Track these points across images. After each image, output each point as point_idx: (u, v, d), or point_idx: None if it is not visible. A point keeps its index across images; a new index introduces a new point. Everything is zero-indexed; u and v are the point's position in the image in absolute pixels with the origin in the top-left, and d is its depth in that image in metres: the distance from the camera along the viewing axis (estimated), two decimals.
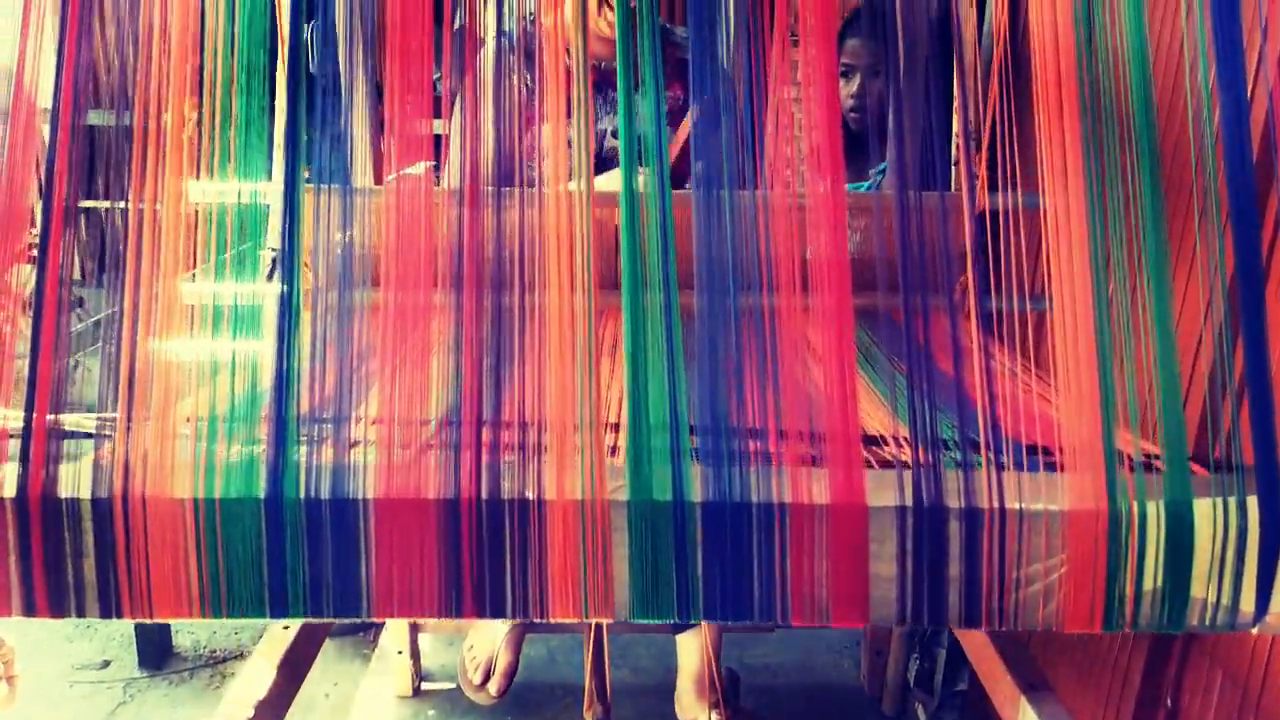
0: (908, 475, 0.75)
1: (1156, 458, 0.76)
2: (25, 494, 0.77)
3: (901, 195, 0.84)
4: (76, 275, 0.86)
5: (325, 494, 0.77)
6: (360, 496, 0.77)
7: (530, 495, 0.77)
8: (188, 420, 0.79)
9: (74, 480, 0.78)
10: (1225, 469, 0.74)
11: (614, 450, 0.81)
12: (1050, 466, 0.78)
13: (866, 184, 1.84)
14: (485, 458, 0.77)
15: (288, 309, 0.77)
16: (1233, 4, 0.74)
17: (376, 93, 1.62)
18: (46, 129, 0.85)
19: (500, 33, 0.90)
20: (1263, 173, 0.93)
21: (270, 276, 1.08)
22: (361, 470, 0.78)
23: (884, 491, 0.76)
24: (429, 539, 0.77)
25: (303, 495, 0.77)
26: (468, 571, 0.77)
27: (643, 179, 0.81)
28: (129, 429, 0.77)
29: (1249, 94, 1.04)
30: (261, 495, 0.77)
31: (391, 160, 0.99)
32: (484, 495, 0.77)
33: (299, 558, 0.77)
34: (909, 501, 0.75)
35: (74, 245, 0.83)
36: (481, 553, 0.77)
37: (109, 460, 0.78)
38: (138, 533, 0.77)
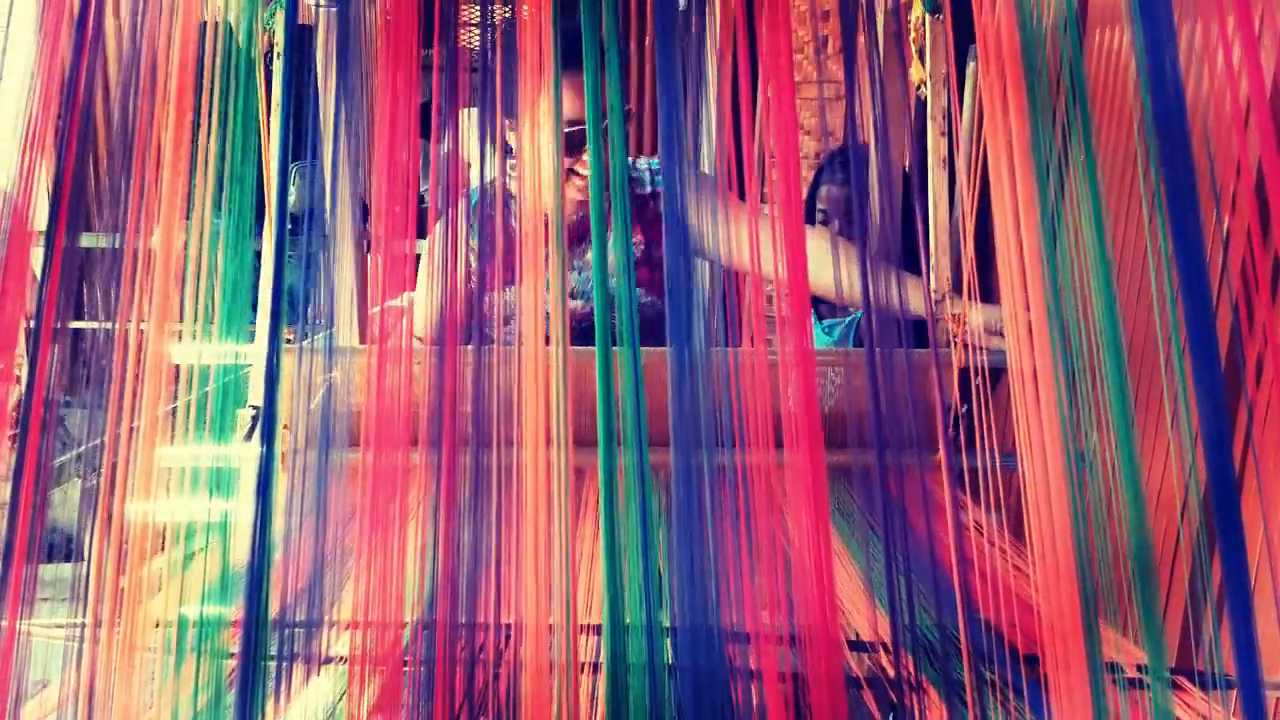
0: None
1: (1143, 669, 0.74)
2: None
3: (871, 353, 0.84)
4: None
5: None
6: None
7: None
8: (156, 626, 0.76)
9: None
10: (1210, 684, 0.73)
11: (595, 669, 0.77)
12: (1034, 682, 0.76)
13: (844, 321, 1.87)
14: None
15: (259, 566, 0.72)
16: (1193, 210, 0.74)
17: (363, 212, 1.64)
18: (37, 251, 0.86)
19: (482, 187, 0.91)
20: (1230, 377, 0.94)
21: (249, 436, 1.07)
22: None
23: None
24: None
25: None
26: None
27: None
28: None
29: (1214, 297, 1.05)
30: None
31: (379, 287, 0.99)
32: None
33: None
34: None
35: (60, 370, 0.83)
36: None
37: None
38: None
